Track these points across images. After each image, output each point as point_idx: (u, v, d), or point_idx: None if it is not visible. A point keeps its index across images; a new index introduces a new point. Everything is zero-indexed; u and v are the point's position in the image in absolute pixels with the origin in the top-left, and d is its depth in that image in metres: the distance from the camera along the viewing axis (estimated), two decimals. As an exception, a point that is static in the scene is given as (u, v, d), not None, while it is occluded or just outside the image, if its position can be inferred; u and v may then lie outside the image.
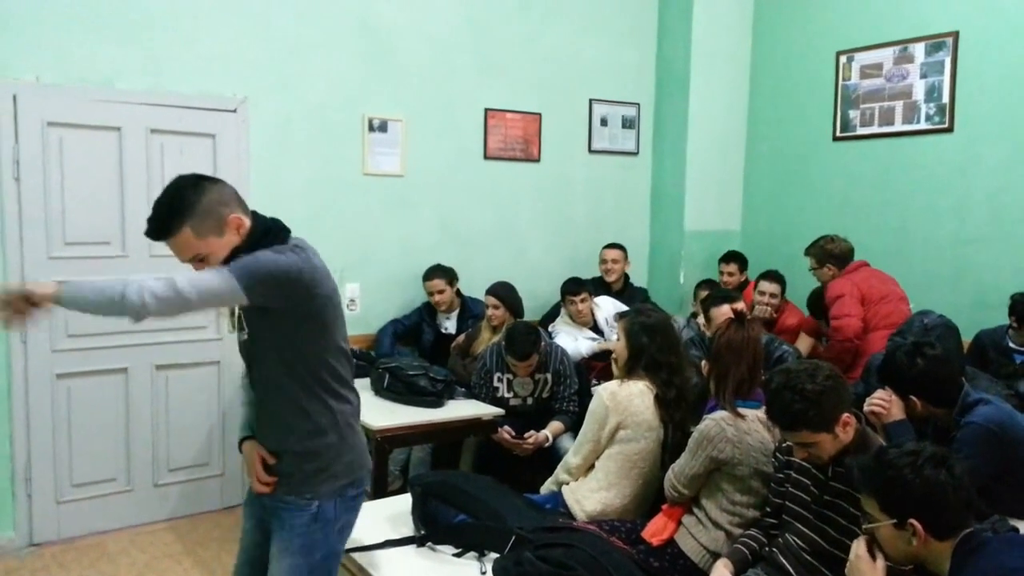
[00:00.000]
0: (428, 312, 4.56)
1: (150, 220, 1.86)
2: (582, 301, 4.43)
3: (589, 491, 2.78)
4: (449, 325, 4.53)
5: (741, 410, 2.49)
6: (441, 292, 4.41)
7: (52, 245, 3.62)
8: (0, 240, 3.51)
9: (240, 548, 2.19)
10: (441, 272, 4.44)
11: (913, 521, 1.70)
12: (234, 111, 4.02)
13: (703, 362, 2.84)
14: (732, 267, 4.90)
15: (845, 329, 3.90)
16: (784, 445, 2.31)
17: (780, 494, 2.31)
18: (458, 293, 4.53)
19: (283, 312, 1.88)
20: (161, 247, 3.88)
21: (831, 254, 4.30)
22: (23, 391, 3.60)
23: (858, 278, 4.10)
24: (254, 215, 1.95)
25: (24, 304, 1.70)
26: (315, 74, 4.24)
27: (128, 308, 1.72)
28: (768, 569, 2.24)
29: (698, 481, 2.48)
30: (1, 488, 3.59)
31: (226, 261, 1.86)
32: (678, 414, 2.81)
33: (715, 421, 2.44)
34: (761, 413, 2.51)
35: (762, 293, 4.46)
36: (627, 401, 2.79)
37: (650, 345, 2.86)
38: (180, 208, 1.83)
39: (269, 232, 1.94)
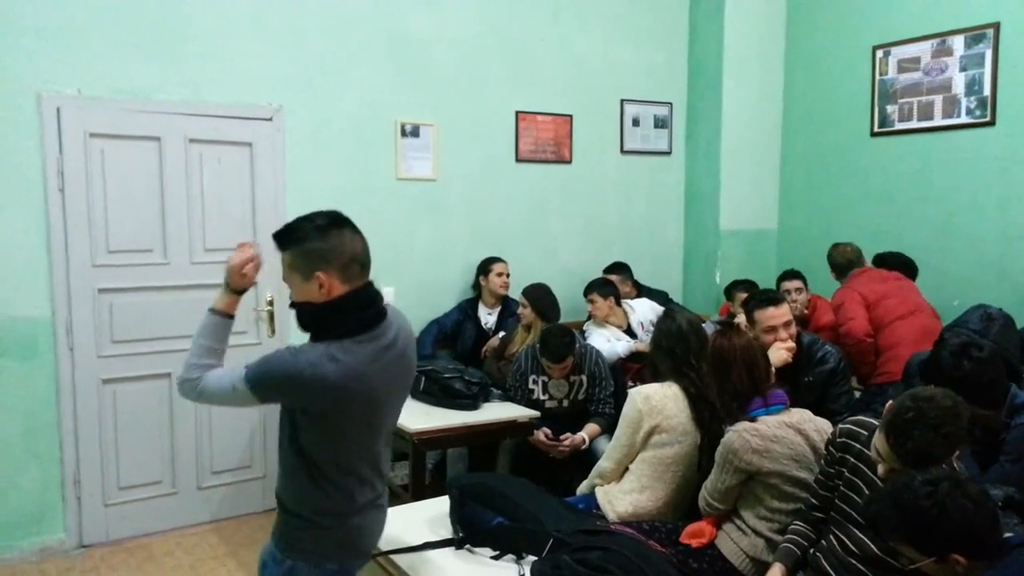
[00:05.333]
0: (471, 308, 4.60)
1: (279, 230, 1.91)
2: (591, 303, 4.46)
3: (622, 492, 2.78)
4: (491, 320, 4.59)
5: (764, 418, 2.43)
6: (508, 275, 4.57)
7: (96, 253, 3.71)
8: (46, 249, 3.61)
9: None
10: (501, 259, 4.61)
11: (955, 556, 1.67)
12: (270, 120, 4.08)
13: None
14: (797, 283, 4.45)
15: (853, 331, 3.91)
16: (839, 440, 2.24)
17: (829, 488, 2.25)
18: None
19: (299, 408, 1.88)
20: (201, 255, 3.97)
21: (829, 261, 4.34)
22: (71, 396, 3.70)
23: (857, 284, 4.12)
24: (359, 289, 1.90)
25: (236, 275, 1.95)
26: (348, 81, 4.28)
27: (178, 389, 1.96)
28: (811, 574, 2.21)
29: (732, 494, 2.44)
30: (52, 491, 3.69)
31: (298, 309, 1.91)
32: (705, 414, 2.79)
33: (737, 433, 2.39)
34: (787, 417, 2.46)
35: (787, 292, 4.40)
36: (662, 404, 2.77)
37: (670, 347, 2.88)
38: (290, 236, 1.87)
39: (347, 314, 1.87)
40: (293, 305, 1.95)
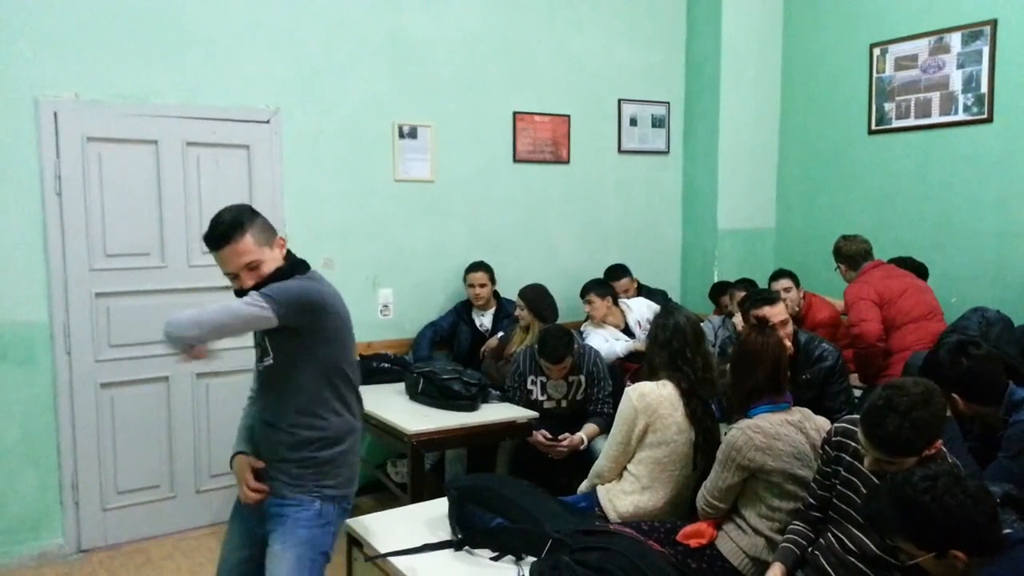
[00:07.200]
0: (465, 310, 4.59)
1: (214, 228, 2.09)
2: (589, 303, 4.44)
3: (623, 492, 2.79)
4: (485, 322, 4.58)
5: (767, 416, 2.44)
6: (483, 286, 4.51)
7: (94, 257, 3.71)
8: (44, 253, 3.60)
9: (222, 567, 2.31)
10: (484, 267, 4.54)
11: (954, 552, 1.67)
12: (267, 122, 4.08)
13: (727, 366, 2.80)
14: (786, 282, 4.39)
15: (865, 335, 3.84)
16: (835, 440, 2.24)
17: (827, 487, 2.25)
18: (495, 294, 4.61)
19: (308, 332, 2.10)
20: (199, 258, 3.97)
21: (841, 253, 4.25)
22: (68, 401, 3.69)
23: (873, 279, 4.02)
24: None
25: None
26: (345, 83, 4.28)
27: (168, 339, 1.98)
28: (809, 572, 2.21)
29: (733, 492, 2.44)
30: (50, 496, 3.69)
31: (271, 279, 2.10)
32: (698, 410, 2.79)
33: (741, 431, 2.40)
34: (788, 415, 2.46)
35: (776, 292, 4.38)
36: (656, 403, 2.77)
37: (667, 340, 2.88)
38: (243, 219, 2.10)
39: (300, 261, 2.22)
40: (261, 284, 2.09)
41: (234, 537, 2.34)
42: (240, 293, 2.10)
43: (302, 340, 2.10)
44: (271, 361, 2.17)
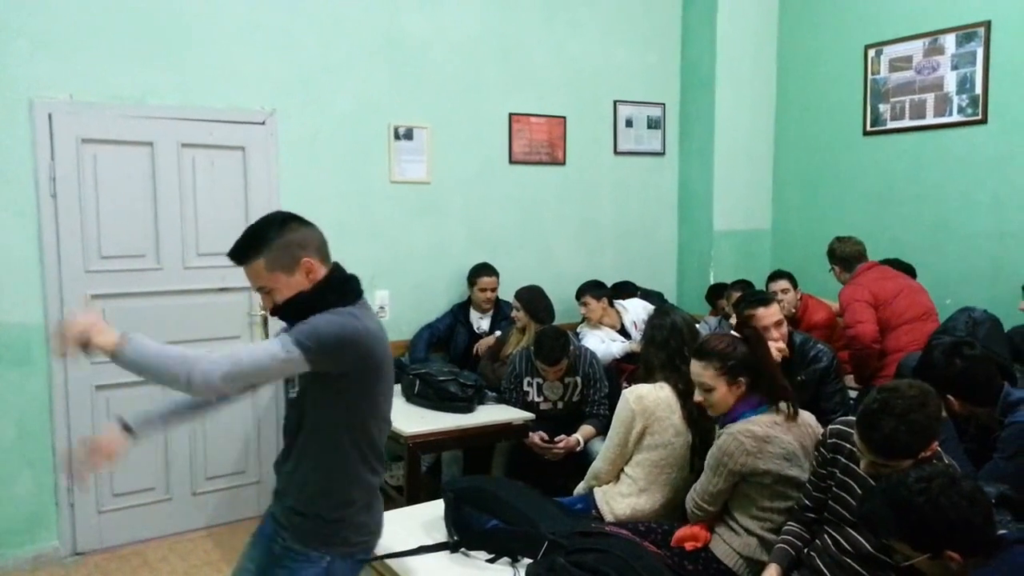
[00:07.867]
0: (462, 312, 4.59)
1: (233, 247, 1.91)
2: (584, 305, 4.46)
3: (620, 495, 2.78)
4: (484, 324, 4.58)
5: (755, 418, 2.42)
6: (493, 290, 4.53)
7: (89, 259, 3.70)
8: (39, 255, 3.59)
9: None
10: (495, 271, 4.56)
11: (950, 553, 1.68)
12: (263, 124, 4.07)
13: None
14: (784, 283, 4.42)
15: (861, 336, 3.85)
16: (830, 441, 2.24)
17: (822, 489, 2.26)
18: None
19: (338, 376, 1.89)
20: (194, 260, 3.97)
21: (835, 254, 4.26)
22: (64, 403, 3.68)
23: (867, 280, 4.03)
24: (334, 267, 1.98)
25: (76, 345, 1.75)
26: (341, 85, 4.28)
27: (193, 390, 1.77)
28: (805, 573, 2.21)
29: (723, 496, 2.43)
30: (45, 498, 3.68)
31: (288, 305, 1.91)
32: (695, 411, 2.78)
33: (732, 435, 2.38)
34: (776, 416, 2.44)
35: (773, 293, 4.39)
36: (654, 405, 2.77)
37: (664, 340, 2.90)
38: (257, 241, 1.89)
39: (340, 288, 1.95)
40: (278, 309, 1.93)
41: (247, 561, 2.17)
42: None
43: (331, 382, 1.89)
44: (295, 394, 2.00)
